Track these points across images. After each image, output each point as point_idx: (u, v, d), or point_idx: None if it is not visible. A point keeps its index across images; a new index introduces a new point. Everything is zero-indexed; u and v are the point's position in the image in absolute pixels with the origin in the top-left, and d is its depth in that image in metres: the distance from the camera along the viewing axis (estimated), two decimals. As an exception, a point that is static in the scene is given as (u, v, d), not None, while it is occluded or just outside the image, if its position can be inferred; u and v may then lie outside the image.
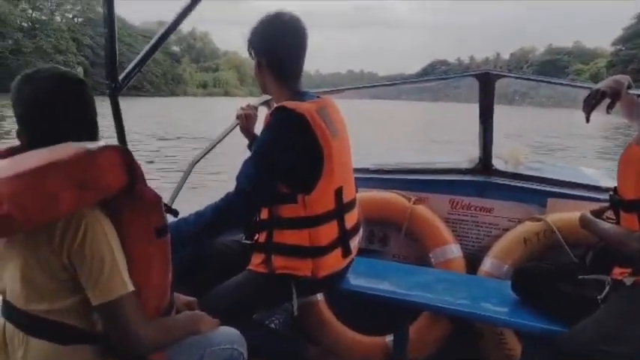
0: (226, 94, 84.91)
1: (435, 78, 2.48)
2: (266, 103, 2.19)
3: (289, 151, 1.42)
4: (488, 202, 2.38)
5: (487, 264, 2.21)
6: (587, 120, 1.65)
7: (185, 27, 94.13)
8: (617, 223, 1.52)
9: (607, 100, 1.60)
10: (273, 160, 1.44)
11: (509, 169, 2.55)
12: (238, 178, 1.48)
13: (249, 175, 1.45)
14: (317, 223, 1.48)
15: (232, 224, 1.59)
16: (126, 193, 1.04)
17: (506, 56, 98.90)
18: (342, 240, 1.57)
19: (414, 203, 2.41)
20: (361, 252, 2.50)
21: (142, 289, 1.07)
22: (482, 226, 2.40)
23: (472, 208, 2.41)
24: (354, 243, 1.67)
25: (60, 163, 0.96)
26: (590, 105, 1.61)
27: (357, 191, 1.73)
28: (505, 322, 1.73)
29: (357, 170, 2.75)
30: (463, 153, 2.77)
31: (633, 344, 1.32)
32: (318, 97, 1.59)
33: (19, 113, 1.06)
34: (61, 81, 1.07)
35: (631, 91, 1.66)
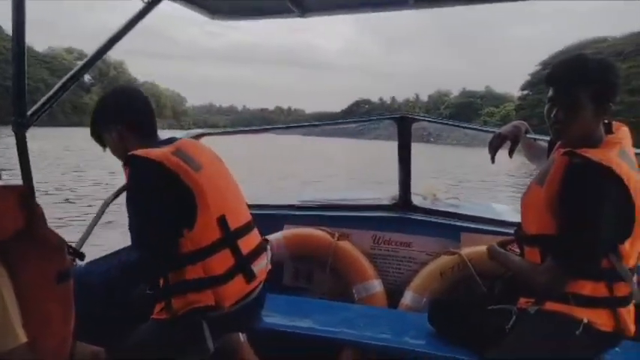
0: None
1: (357, 120, 2.65)
2: None
3: (155, 193, 1.48)
4: (407, 237, 2.54)
5: (407, 298, 2.34)
6: (493, 161, 1.85)
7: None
8: (522, 255, 1.69)
9: (509, 144, 1.82)
10: (147, 207, 1.48)
11: (427, 205, 2.74)
12: (131, 235, 1.50)
13: (137, 229, 1.48)
14: (207, 255, 1.51)
15: (144, 281, 1.59)
16: (23, 235, 1.01)
17: (424, 98, 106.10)
18: (241, 266, 1.59)
19: (338, 239, 2.51)
20: (287, 289, 2.55)
21: (39, 339, 1.03)
22: (402, 261, 2.54)
23: (393, 243, 2.55)
24: (260, 266, 1.68)
25: None
26: (493, 147, 1.82)
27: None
28: (422, 355, 1.81)
29: (283, 207, 2.84)
30: (386, 190, 2.93)
31: None
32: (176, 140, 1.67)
33: None
34: None
35: (528, 135, 1.90)
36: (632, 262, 1.50)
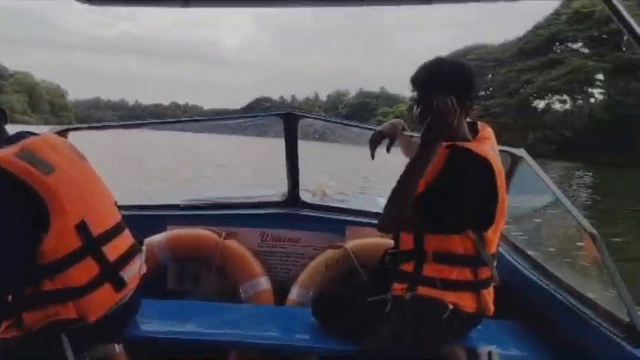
0: (10, 120, 72.74)
1: (243, 116, 2.63)
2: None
3: None
4: (296, 233, 2.58)
5: (294, 293, 2.37)
6: (372, 157, 1.96)
7: None
8: (396, 242, 1.80)
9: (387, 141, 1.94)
10: None
11: (317, 201, 2.82)
12: None
13: None
14: (67, 265, 1.40)
15: None
16: None
17: (324, 97, 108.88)
18: (108, 273, 1.50)
19: (225, 238, 2.46)
20: (171, 294, 2.45)
21: None
22: (290, 257, 2.58)
23: (281, 240, 2.58)
24: (131, 272, 1.60)
25: None
26: (373, 144, 1.94)
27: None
28: (307, 349, 1.85)
29: (166, 207, 2.72)
30: (276, 186, 2.96)
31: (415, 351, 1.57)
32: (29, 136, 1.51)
33: None
34: None
35: (405, 133, 2.04)
36: (493, 248, 1.69)
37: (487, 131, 1.75)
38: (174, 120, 2.72)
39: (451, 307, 1.60)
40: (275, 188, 3.01)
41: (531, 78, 45.69)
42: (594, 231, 1.50)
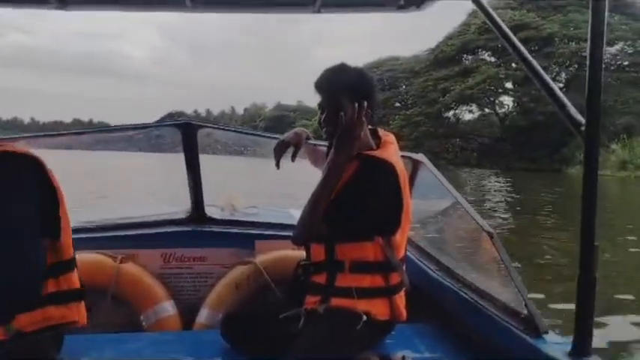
0: None
1: (137, 126, 2.47)
2: None
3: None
4: (202, 251, 2.49)
5: (203, 316, 2.28)
6: (277, 166, 1.96)
7: None
8: (307, 251, 1.80)
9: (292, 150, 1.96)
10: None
11: (225, 216, 2.74)
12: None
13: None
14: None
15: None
16: None
17: (240, 111, 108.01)
18: None
19: (121, 262, 2.32)
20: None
21: None
22: (197, 277, 2.48)
23: (186, 260, 2.47)
24: None
25: None
26: (277, 153, 1.95)
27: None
28: None
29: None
30: (177, 204, 2.84)
31: None
32: None
33: None
34: None
35: (310, 142, 2.06)
36: (401, 252, 1.75)
37: (390, 137, 1.82)
38: (54, 133, 2.50)
39: (364, 317, 1.61)
40: (179, 206, 2.89)
41: (448, 87, 47.69)
42: (492, 230, 1.59)
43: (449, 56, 49.50)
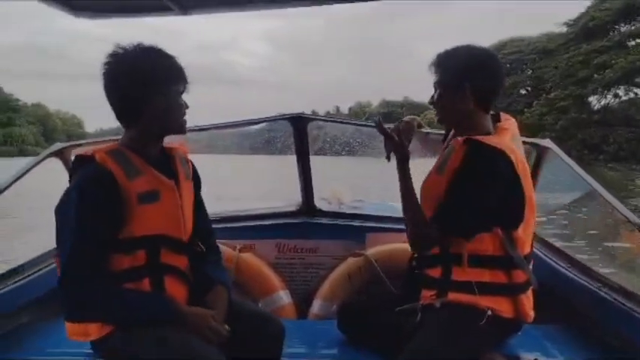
0: (22, 153, 75.51)
1: (249, 121, 2.61)
2: None
3: None
4: (313, 242, 2.57)
5: (316, 306, 2.36)
6: (388, 159, 1.89)
7: None
8: None
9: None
10: None
11: (333, 208, 2.80)
12: None
13: None
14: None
15: None
16: None
17: (345, 110, 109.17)
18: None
19: (240, 251, 2.47)
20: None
21: None
22: (309, 268, 2.57)
23: (299, 251, 2.58)
24: None
25: None
26: (388, 146, 1.83)
27: None
28: None
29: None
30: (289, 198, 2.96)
31: None
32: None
33: None
34: None
35: (422, 130, 2.00)
36: (526, 249, 1.63)
37: (507, 122, 1.71)
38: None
39: (489, 312, 1.54)
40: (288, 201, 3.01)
41: (608, 60, 37.17)
42: None
43: (603, 23, 39.34)
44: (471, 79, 1.58)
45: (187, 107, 1.54)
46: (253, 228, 2.64)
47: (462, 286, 1.58)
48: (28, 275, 2.07)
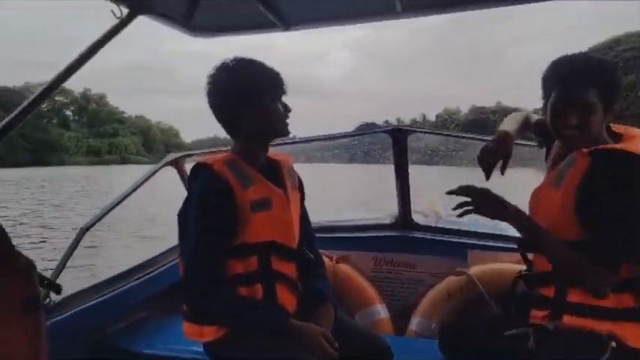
0: (124, 161, 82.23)
1: (349, 134, 2.65)
2: None
3: None
4: (411, 257, 2.54)
5: (415, 323, 2.32)
6: (487, 178, 1.74)
7: (76, 87, 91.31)
8: (528, 265, 1.68)
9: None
10: None
11: (430, 222, 2.75)
12: None
13: None
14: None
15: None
16: None
17: (432, 118, 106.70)
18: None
19: (337, 262, 2.50)
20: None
21: None
22: (407, 283, 2.54)
23: (396, 265, 2.55)
24: None
25: None
26: (484, 164, 1.72)
27: None
28: None
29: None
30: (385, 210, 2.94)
31: None
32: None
33: None
34: None
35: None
36: None
37: (631, 130, 1.57)
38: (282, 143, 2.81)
39: (613, 343, 1.41)
40: (379, 212, 2.99)
41: None
42: None
43: None
44: (613, 95, 1.46)
45: (289, 110, 1.60)
46: (349, 239, 2.66)
47: (579, 309, 1.46)
48: (152, 271, 2.27)
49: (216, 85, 1.56)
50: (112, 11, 1.81)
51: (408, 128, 2.52)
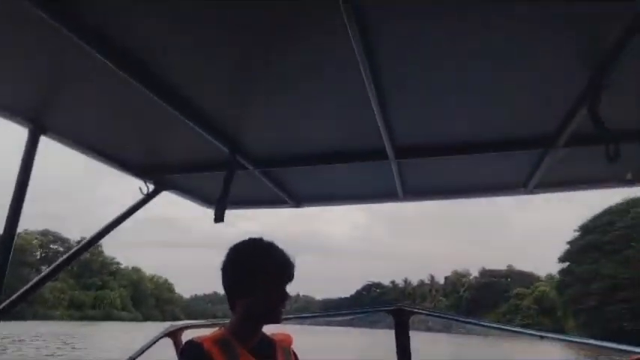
0: (107, 317, 78.78)
1: (350, 312, 2.70)
2: None
3: None
4: None
5: None
6: None
7: (71, 236, 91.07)
8: None
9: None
10: None
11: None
12: None
13: None
14: None
15: None
16: None
17: (440, 280, 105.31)
18: None
19: None
20: None
21: None
22: None
23: None
24: None
25: None
26: None
27: None
28: None
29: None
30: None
31: None
32: None
33: None
34: None
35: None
36: None
37: None
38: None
39: None
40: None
41: None
42: None
43: None
44: None
45: (289, 298, 1.70)
46: None
47: None
48: None
49: (234, 259, 1.70)
50: (140, 188, 2.09)
51: (410, 309, 2.56)
